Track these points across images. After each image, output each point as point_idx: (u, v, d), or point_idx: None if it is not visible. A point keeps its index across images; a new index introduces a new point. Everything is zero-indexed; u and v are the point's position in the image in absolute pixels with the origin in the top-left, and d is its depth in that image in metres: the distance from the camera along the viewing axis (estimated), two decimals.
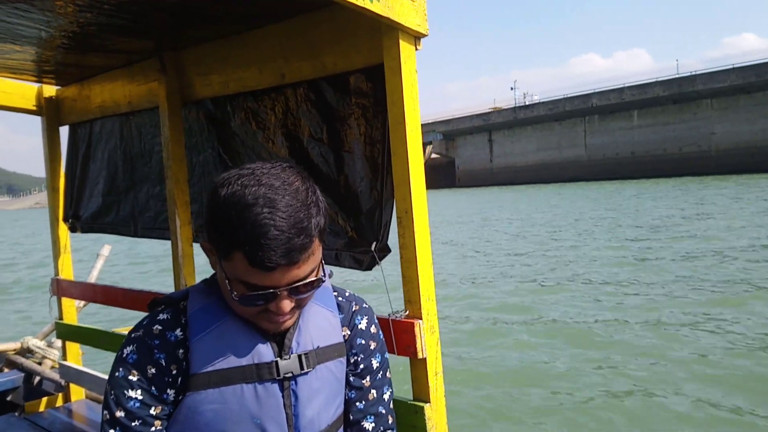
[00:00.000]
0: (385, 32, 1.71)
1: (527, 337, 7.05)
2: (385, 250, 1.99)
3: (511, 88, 79.81)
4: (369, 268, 2.04)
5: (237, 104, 2.39)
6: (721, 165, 53.69)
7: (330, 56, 1.99)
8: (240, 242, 1.11)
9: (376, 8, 1.53)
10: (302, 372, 1.27)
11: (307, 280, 1.19)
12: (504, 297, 9.39)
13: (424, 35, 1.74)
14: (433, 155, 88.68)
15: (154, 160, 2.90)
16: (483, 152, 77.85)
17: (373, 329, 1.45)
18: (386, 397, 1.44)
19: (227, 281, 1.18)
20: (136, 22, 2.10)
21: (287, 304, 1.19)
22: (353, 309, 1.44)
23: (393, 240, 1.85)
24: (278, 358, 1.26)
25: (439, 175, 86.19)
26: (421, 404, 1.74)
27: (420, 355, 1.73)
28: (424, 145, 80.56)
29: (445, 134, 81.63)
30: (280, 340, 1.29)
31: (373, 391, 1.42)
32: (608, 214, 21.99)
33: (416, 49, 1.74)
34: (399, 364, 1.77)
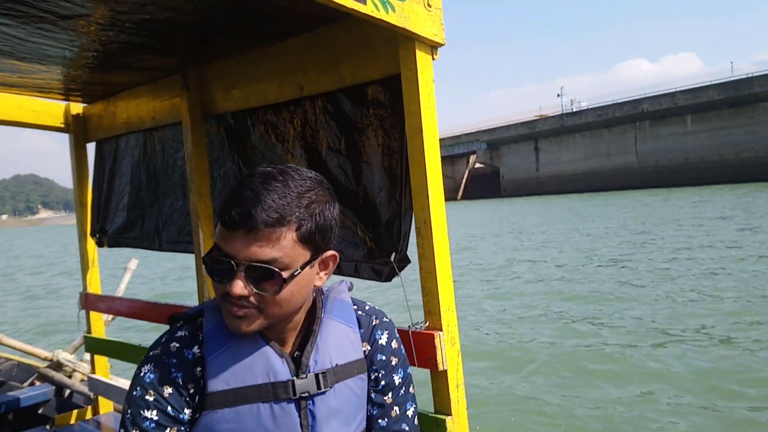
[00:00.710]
0: (402, 43, 1.73)
1: (553, 351, 6.94)
2: (404, 261, 2.00)
3: (558, 95, 79.05)
4: (388, 279, 2.05)
5: (257, 117, 2.45)
6: None
7: (348, 68, 2.03)
8: (223, 204, 1.17)
9: (392, 19, 1.56)
10: (320, 392, 1.27)
11: (266, 265, 1.15)
12: (527, 311, 9.27)
13: (441, 45, 1.76)
14: (477, 165, 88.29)
15: (177, 174, 2.98)
16: (529, 161, 77.10)
17: (394, 344, 1.44)
18: (410, 413, 1.43)
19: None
20: (158, 39, 2.17)
21: (240, 286, 1.15)
22: (373, 323, 1.43)
23: (412, 251, 1.86)
24: (295, 377, 1.26)
25: (484, 185, 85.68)
26: (442, 417, 1.75)
27: (441, 367, 1.73)
28: (467, 154, 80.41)
29: (489, 143, 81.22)
30: (297, 359, 1.29)
31: (396, 408, 1.41)
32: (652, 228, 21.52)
33: (433, 59, 1.77)
34: (420, 375, 1.79)
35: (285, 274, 1.18)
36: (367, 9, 1.47)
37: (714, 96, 57.40)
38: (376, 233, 2.07)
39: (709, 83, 58.81)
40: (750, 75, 56.22)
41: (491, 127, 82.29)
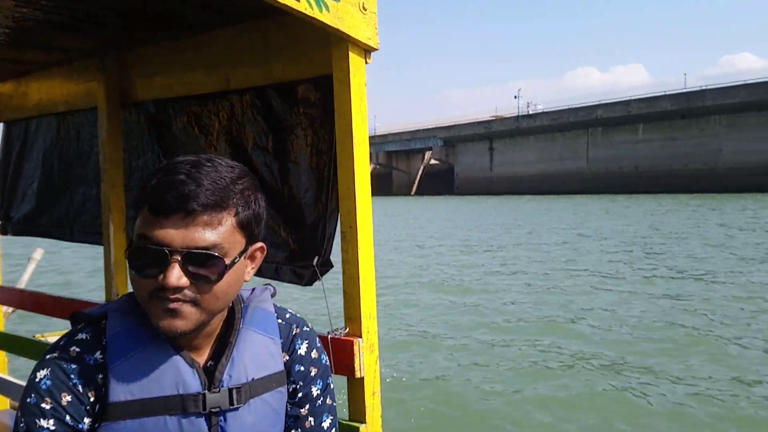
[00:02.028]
0: (335, 43, 1.72)
1: (470, 355, 7.01)
2: (327, 265, 1.99)
3: (515, 97, 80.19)
4: (309, 283, 2.04)
5: (180, 108, 2.39)
6: (728, 183, 53.77)
7: (278, 64, 2.00)
8: (147, 191, 1.12)
9: (326, 18, 1.55)
10: (232, 407, 1.21)
11: (207, 251, 1.10)
12: (443, 314, 9.36)
13: (375, 49, 1.76)
14: (433, 161, 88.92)
15: (92, 162, 2.87)
16: (483, 160, 78.02)
17: (314, 354, 1.39)
18: (325, 425, 1.39)
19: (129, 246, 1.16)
20: (76, 19, 2.10)
21: (177, 275, 1.09)
22: (293, 333, 1.37)
23: (335, 255, 1.86)
24: (206, 391, 1.19)
25: (438, 182, 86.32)
26: (356, 425, 1.75)
27: (358, 374, 1.74)
28: (423, 150, 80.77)
29: (446, 140, 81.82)
30: (210, 370, 1.23)
31: (311, 419, 1.37)
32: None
33: (366, 63, 1.76)
34: (339, 382, 1.78)
35: (227, 261, 1.14)
36: (300, 6, 1.46)
37: (667, 106, 59.04)
38: (299, 235, 2.05)
39: (662, 93, 60.50)
40: (704, 87, 57.94)
41: (449, 124, 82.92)
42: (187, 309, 1.12)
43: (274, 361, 1.31)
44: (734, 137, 55.64)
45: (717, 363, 6.24)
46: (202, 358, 1.25)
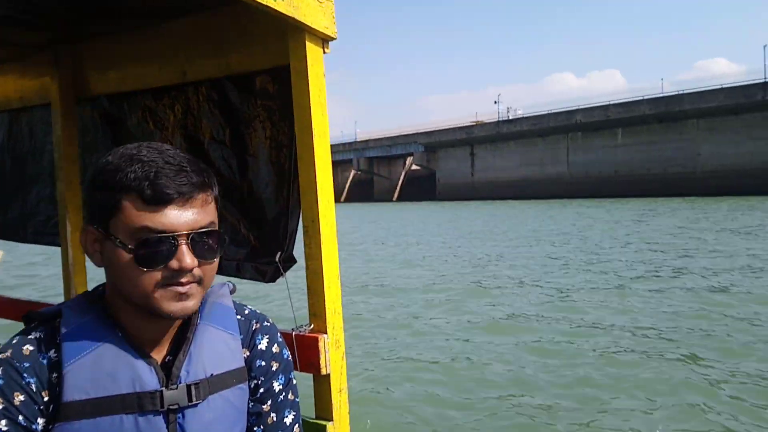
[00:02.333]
0: (291, 33, 1.70)
1: (442, 352, 7.00)
2: (290, 261, 1.96)
3: (495, 102, 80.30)
4: (272, 279, 2.01)
5: (134, 102, 2.34)
6: (707, 186, 54.39)
7: (235, 55, 1.97)
8: (129, 182, 1.12)
9: (281, 7, 1.52)
10: (191, 404, 1.20)
11: (207, 229, 1.17)
12: (415, 311, 9.38)
13: (333, 38, 1.74)
14: (414, 167, 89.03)
15: (46, 160, 2.80)
16: (465, 166, 78.26)
17: (275, 348, 1.38)
18: (288, 420, 1.37)
19: (120, 248, 1.13)
20: (26, 12, 2.05)
21: (191, 258, 1.13)
22: (253, 328, 1.37)
23: (299, 250, 1.83)
24: (164, 388, 1.18)
25: (420, 188, 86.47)
26: (323, 423, 1.72)
27: (324, 371, 1.71)
28: (405, 156, 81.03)
29: (427, 146, 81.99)
30: (168, 367, 1.21)
31: (273, 415, 1.35)
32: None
33: (324, 52, 1.74)
34: (305, 379, 1.75)
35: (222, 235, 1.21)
36: None
37: (645, 111, 59.60)
38: (260, 231, 2.02)
39: (641, 98, 61.01)
40: (681, 92, 58.62)
41: (429, 129, 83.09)
42: (195, 289, 1.17)
43: (234, 357, 1.30)
44: (712, 141, 56.29)
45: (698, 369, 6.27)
46: (160, 354, 1.24)
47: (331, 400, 1.73)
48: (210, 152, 2.12)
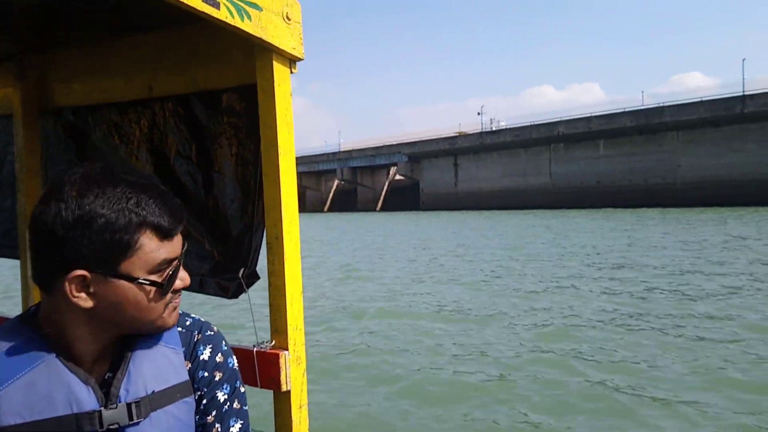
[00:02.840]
0: (259, 53, 1.72)
1: (399, 370, 6.96)
2: (253, 277, 1.97)
3: (478, 113, 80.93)
4: (235, 295, 2.01)
5: (100, 116, 2.32)
6: (687, 197, 55.04)
7: (202, 72, 1.99)
8: (145, 219, 1.14)
9: (248, 28, 1.54)
10: (132, 423, 1.18)
11: (185, 246, 1.24)
12: (380, 326, 9.33)
13: (300, 59, 1.76)
14: (398, 177, 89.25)
15: (7, 170, 2.76)
16: (448, 176, 78.59)
17: (219, 358, 1.36)
18: (234, 430, 1.35)
19: (139, 285, 1.16)
20: None
21: (186, 275, 1.25)
22: (195, 339, 1.35)
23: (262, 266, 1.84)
24: (103, 408, 1.15)
25: (403, 198, 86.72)
26: None
27: (284, 388, 1.72)
28: (388, 166, 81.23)
29: (411, 156, 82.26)
30: (106, 388, 1.19)
31: (218, 426, 1.33)
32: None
33: (291, 72, 1.76)
34: (268, 396, 1.76)
35: None
36: (221, 14, 1.45)
37: (627, 123, 60.26)
38: (225, 247, 2.03)
39: (623, 110, 61.70)
40: (662, 104, 59.29)
41: (413, 140, 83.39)
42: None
43: (176, 371, 1.29)
44: (692, 153, 57.02)
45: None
46: (99, 373, 1.21)
47: (291, 417, 1.73)
48: (176, 167, 2.12)
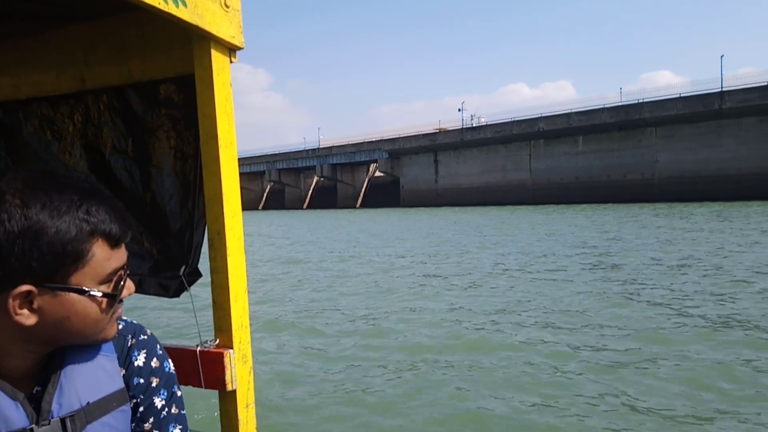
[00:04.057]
0: (196, 41, 1.67)
1: (361, 365, 6.88)
2: (195, 275, 1.92)
3: (459, 110, 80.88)
4: (176, 294, 1.96)
5: (30, 111, 2.23)
6: (664, 193, 55.77)
7: (138, 62, 1.92)
8: (96, 227, 1.08)
9: (183, 15, 1.49)
10: None
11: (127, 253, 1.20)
12: (336, 323, 9.31)
13: (239, 48, 1.72)
14: (378, 173, 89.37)
15: None
16: (428, 172, 78.80)
17: (154, 363, 1.31)
18: None
19: (89, 297, 1.09)
20: None
21: (131, 283, 1.20)
22: (129, 344, 1.29)
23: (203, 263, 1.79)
24: (34, 425, 1.09)
25: (384, 194, 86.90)
26: None
27: (230, 387, 1.68)
28: (368, 163, 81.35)
29: (391, 153, 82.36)
30: (36, 404, 1.12)
31: None
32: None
33: (231, 62, 1.72)
34: (213, 396, 1.72)
35: None
36: (153, 1, 1.39)
37: (606, 119, 60.84)
38: (164, 244, 1.97)
39: (602, 106, 62.17)
40: (641, 100, 59.86)
41: (393, 136, 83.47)
42: None
43: (111, 379, 1.22)
44: (670, 148, 57.75)
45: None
46: (27, 387, 1.14)
47: (237, 417, 1.69)
48: (111, 163, 2.05)
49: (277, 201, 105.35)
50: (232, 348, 1.69)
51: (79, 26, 2.01)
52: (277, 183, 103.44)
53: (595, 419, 4.81)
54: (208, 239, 1.71)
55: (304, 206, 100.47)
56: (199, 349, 1.69)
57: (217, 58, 1.66)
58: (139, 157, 2.00)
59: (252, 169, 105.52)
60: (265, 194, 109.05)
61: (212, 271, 1.71)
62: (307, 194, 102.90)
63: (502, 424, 4.90)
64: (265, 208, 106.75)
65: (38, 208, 1.03)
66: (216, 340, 1.71)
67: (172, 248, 1.95)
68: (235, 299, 1.70)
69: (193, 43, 1.68)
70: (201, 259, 1.90)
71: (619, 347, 6.78)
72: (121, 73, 1.95)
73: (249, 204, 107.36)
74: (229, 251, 1.68)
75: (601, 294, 10.01)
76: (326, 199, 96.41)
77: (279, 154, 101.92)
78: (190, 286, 1.92)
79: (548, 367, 6.09)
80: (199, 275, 1.93)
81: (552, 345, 6.92)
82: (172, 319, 8.97)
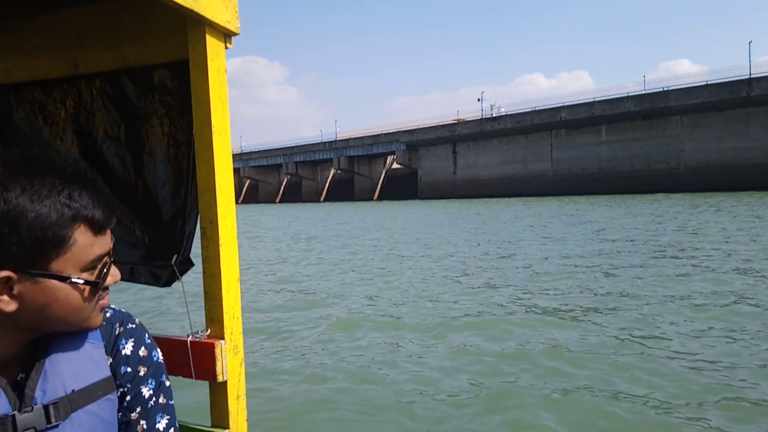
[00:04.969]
0: (191, 26, 1.66)
1: (352, 358, 6.84)
2: (187, 264, 1.91)
3: (478, 100, 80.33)
4: (168, 283, 1.95)
5: (22, 95, 2.21)
6: (690, 182, 55.18)
7: (132, 47, 1.91)
8: (78, 212, 1.07)
9: None
10: (51, 426, 1.12)
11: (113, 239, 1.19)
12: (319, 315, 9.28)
13: (235, 33, 1.70)
14: (395, 165, 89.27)
15: None
16: (447, 164, 78.61)
17: (142, 352, 1.31)
18: (161, 426, 1.31)
19: (72, 284, 1.09)
20: None
21: (116, 270, 1.19)
22: (116, 332, 1.29)
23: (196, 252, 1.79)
24: (16, 411, 1.09)
25: (401, 186, 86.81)
26: (219, 431, 1.69)
27: (220, 378, 1.67)
28: (386, 155, 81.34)
29: (409, 144, 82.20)
30: (19, 390, 1.12)
31: (143, 422, 1.29)
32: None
33: (226, 47, 1.71)
34: (204, 387, 1.72)
35: None
36: None
37: (630, 107, 60.25)
38: (156, 233, 1.96)
39: (626, 95, 61.56)
40: (667, 88, 59.16)
41: (411, 128, 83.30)
42: None
43: (98, 367, 1.22)
44: (695, 137, 57.09)
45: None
46: (12, 374, 1.14)
47: (227, 408, 1.68)
48: (103, 149, 2.04)
49: (295, 194, 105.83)
50: (223, 339, 1.68)
51: (73, 10, 2.00)
52: (294, 176, 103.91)
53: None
54: (201, 228, 1.71)
55: (321, 199, 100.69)
56: (189, 339, 1.68)
57: (212, 44, 1.65)
58: (131, 143, 1.99)
59: (269, 162, 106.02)
60: (282, 187, 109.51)
61: (204, 261, 1.71)
62: (324, 187, 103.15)
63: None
64: (282, 200, 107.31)
65: (18, 192, 1.01)
66: (207, 331, 1.70)
67: (163, 237, 1.94)
68: (227, 289, 1.69)
69: (187, 28, 1.67)
70: (193, 249, 1.90)
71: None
72: (115, 58, 1.95)
73: (266, 197, 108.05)
74: (221, 241, 1.68)
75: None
76: (343, 191, 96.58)
77: (296, 146, 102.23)
78: (181, 275, 1.92)
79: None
80: (191, 264, 1.92)
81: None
82: (164, 309, 9.07)
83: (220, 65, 1.69)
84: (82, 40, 2.00)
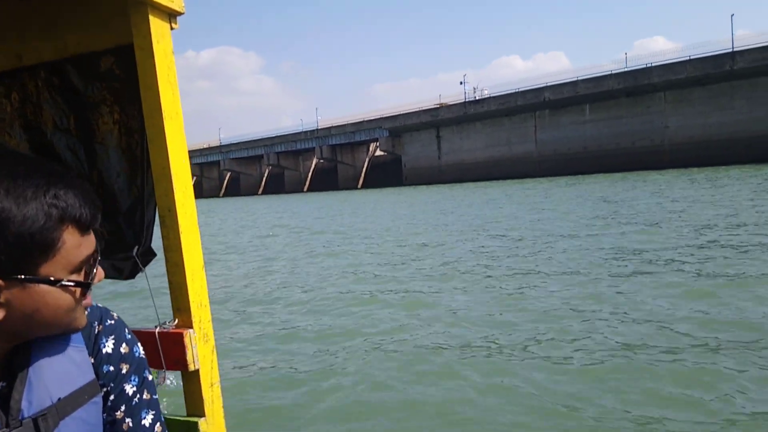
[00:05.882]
0: (133, 8, 1.63)
1: (327, 345, 6.92)
2: (149, 254, 1.90)
3: (461, 83, 79.94)
4: (131, 276, 1.93)
5: None
6: (675, 159, 55.49)
7: (74, 34, 1.88)
8: (67, 213, 1.04)
9: None
10: None
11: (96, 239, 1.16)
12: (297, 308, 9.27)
13: (180, 13, 1.68)
14: (379, 152, 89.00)
15: None
16: (431, 149, 78.56)
17: (123, 349, 1.28)
18: (147, 422, 1.30)
19: (61, 288, 1.06)
20: None
21: (101, 269, 1.16)
22: (96, 331, 1.25)
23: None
24: (5, 428, 1.06)
25: (385, 174, 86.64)
26: (195, 420, 1.68)
27: (192, 367, 1.66)
28: (369, 142, 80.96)
29: (391, 131, 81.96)
30: (4, 403, 1.07)
31: (129, 420, 1.27)
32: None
33: (171, 28, 1.68)
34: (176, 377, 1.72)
35: None
36: None
37: (614, 85, 60.37)
38: (114, 224, 1.94)
39: (609, 72, 61.69)
40: (649, 65, 59.29)
41: (393, 114, 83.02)
42: None
43: (81, 371, 1.19)
44: (680, 113, 57.37)
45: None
46: None
47: (202, 396, 1.68)
48: (54, 142, 2.01)
49: (277, 185, 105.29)
50: (191, 327, 1.67)
51: (11, 0, 1.97)
52: (276, 166, 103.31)
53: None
54: (159, 217, 1.69)
55: (305, 189, 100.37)
56: (158, 330, 1.67)
57: (156, 25, 1.63)
58: (82, 134, 1.96)
59: (250, 154, 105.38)
60: (264, 178, 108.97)
61: (166, 250, 1.69)
62: (307, 177, 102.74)
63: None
64: (264, 192, 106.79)
65: (2, 195, 0.97)
66: (175, 320, 1.70)
67: (123, 228, 1.92)
68: (191, 278, 1.68)
69: (130, 11, 1.65)
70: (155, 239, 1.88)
71: None
72: (57, 47, 1.91)
73: (248, 189, 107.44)
74: (181, 228, 1.66)
75: None
76: (327, 180, 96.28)
77: (277, 137, 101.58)
78: (144, 266, 1.90)
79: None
80: (153, 255, 1.91)
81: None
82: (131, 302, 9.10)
83: (167, 47, 1.67)
84: (22, 30, 1.96)
